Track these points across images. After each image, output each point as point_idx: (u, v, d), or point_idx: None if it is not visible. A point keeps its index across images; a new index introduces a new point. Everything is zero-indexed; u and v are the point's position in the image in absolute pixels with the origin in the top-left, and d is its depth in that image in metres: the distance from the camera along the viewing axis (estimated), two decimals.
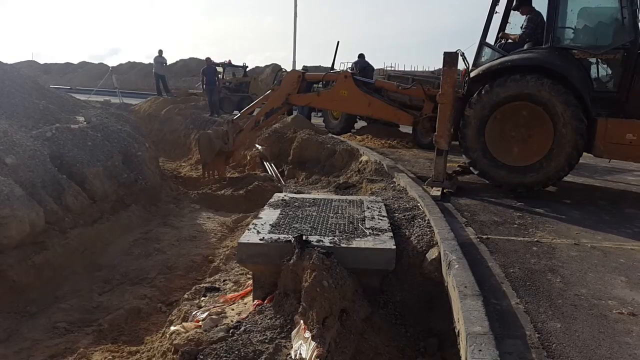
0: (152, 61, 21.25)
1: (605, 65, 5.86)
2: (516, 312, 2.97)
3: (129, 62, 46.93)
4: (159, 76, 20.63)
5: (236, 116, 10.22)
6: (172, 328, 4.10)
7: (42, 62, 52.40)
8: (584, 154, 5.79)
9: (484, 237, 4.32)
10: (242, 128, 9.60)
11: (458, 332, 2.94)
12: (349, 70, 12.43)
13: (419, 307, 3.88)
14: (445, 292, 3.56)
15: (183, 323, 4.16)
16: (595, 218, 5.07)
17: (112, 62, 70.07)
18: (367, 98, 7.54)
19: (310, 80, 9.09)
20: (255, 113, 9.69)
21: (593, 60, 5.79)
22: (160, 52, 20.37)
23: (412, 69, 34.17)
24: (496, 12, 6.28)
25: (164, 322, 4.75)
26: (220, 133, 9.90)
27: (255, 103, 9.71)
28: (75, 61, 51.71)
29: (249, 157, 11.72)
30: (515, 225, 4.72)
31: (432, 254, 3.99)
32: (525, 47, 6.21)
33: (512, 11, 6.71)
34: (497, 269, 3.61)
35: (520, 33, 6.41)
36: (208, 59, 18.00)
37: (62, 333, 4.75)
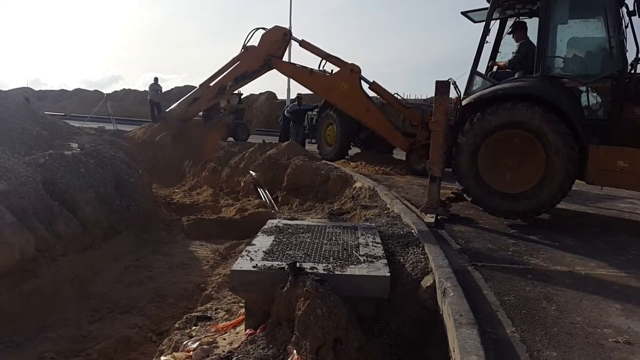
0: (147, 88, 21.47)
1: (595, 94, 5.93)
2: (512, 341, 2.93)
3: (124, 89, 47.08)
4: (154, 103, 20.83)
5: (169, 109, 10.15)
6: (163, 358, 4.03)
7: (37, 89, 52.53)
8: (577, 181, 5.83)
9: (479, 264, 4.30)
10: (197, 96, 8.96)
11: None
12: None
13: (413, 336, 3.83)
14: (440, 321, 3.52)
15: (174, 353, 4.09)
16: (589, 245, 5.07)
17: (111, 89, 70.27)
18: (367, 103, 7.05)
19: (306, 49, 7.79)
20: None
21: (583, 88, 5.87)
22: (156, 79, 20.67)
23: (406, 97, 34.65)
24: (487, 42, 6.39)
25: (154, 352, 4.65)
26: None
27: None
28: (71, 88, 51.88)
29: (242, 184, 11.70)
30: (510, 253, 4.71)
31: (426, 282, 3.95)
32: (516, 75, 6.31)
33: (502, 41, 6.86)
34: (492, 297, 3.58)
35: (510, 58, 6.53)
36: None
37: None
